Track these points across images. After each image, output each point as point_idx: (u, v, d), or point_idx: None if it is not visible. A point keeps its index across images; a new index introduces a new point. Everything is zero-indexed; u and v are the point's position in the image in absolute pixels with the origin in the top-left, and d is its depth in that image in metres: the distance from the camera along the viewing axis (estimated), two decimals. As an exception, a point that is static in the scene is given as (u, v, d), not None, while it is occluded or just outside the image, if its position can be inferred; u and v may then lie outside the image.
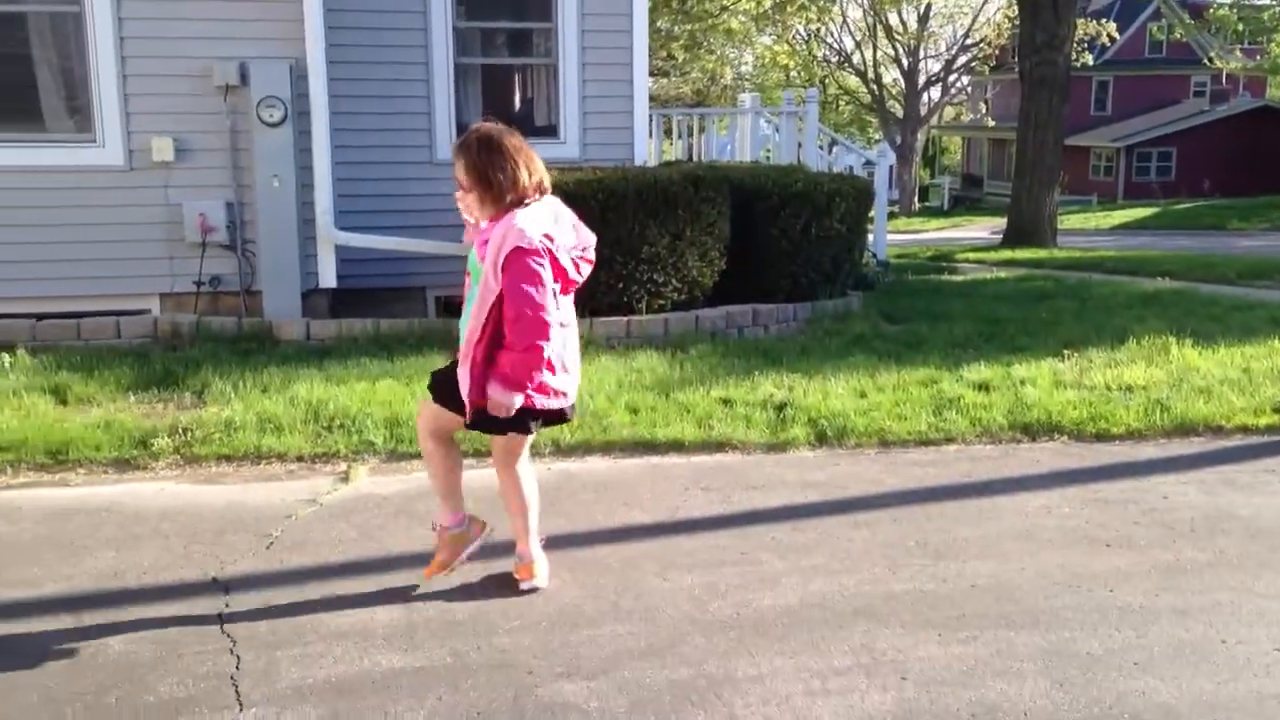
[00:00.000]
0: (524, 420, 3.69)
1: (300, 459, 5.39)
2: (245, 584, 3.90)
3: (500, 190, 3.51)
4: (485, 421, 3.66)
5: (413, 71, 9.27)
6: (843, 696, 3.14)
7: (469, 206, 3.61)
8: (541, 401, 3.66)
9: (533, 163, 3.56)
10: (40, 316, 7.78)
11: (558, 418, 3.83)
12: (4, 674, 3.22)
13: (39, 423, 5.58)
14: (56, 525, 4.46)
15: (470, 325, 3.60)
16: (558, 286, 3.59)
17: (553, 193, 3.69)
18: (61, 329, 7.65)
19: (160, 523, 4.50)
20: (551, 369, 3.63)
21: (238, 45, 8.06)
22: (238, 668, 3.28)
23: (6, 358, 6.86)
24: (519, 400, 3.55)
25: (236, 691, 3.14)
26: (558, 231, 3.59)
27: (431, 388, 3.83)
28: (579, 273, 3.72)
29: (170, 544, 4.27)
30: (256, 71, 7.99)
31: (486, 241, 3.51)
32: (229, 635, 3.49)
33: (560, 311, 3.61)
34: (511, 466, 3.92)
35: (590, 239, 3.85)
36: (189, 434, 5.49)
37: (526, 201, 3.55)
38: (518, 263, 3.43)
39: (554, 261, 3.53)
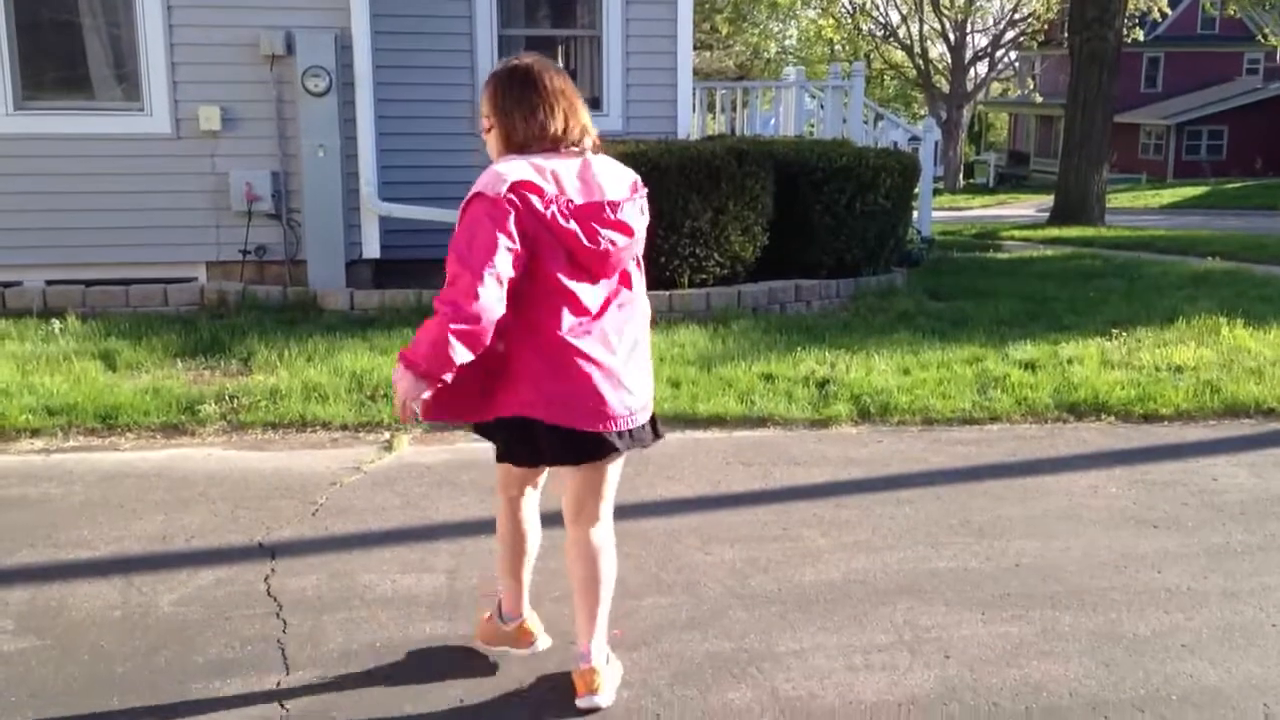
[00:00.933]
0: (521, 439, 2.86)
1: (344, 427, 5.43)
2: (291, 549, 3.94)
3: (524, 136, 2.77)
4: (482, 430, 2.98)
5: (457, 42, 9.28)
6: (885, 673, 3.13)
7: (490, 149, 2.87)
8: (556, 413, 2.77)
9: (574, 112, 2.82)
10: (90, 283, 7.88)
11: (593, 446, 2.85)
12: (58, 633, 3.28)
13: (89, 388, 5.65)
14: (107, 488, 4.53)
15: None
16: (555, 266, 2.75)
17: None
18: (110, 296, 7.75)
19: (208, 488, 4.56)
20: (557, 370, 2.75)
21: (284, 15, 8.08)
22: (284, 631, 3.32)
23: (57, 323, 6.96)
24: (421, 389, 2.64)
25: (283, 654, 3.18)
26: (564, 186, 2.74)
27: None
28: (597, 241, 2.76)
29: (217, 509, 4.32)
30: (302, 41, 8.02)
31: None
32: (275, 599, 3.53)
33: (590, 297, 2.80)
34: (579, 521, 3.05)
35: (629, 200, 2.89)
36: (235, 401, 5.55)
37: (550, 151, 2.79)
38: (471, 210, 2.66)
39: (553, 224, 2.69)
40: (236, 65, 8.12)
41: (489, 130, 2.85)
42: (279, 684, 3.01)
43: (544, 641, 3.23)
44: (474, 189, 2.68)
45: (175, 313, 7.61)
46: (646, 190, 2.96)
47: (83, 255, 8.05)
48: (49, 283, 7.95)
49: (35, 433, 5.21)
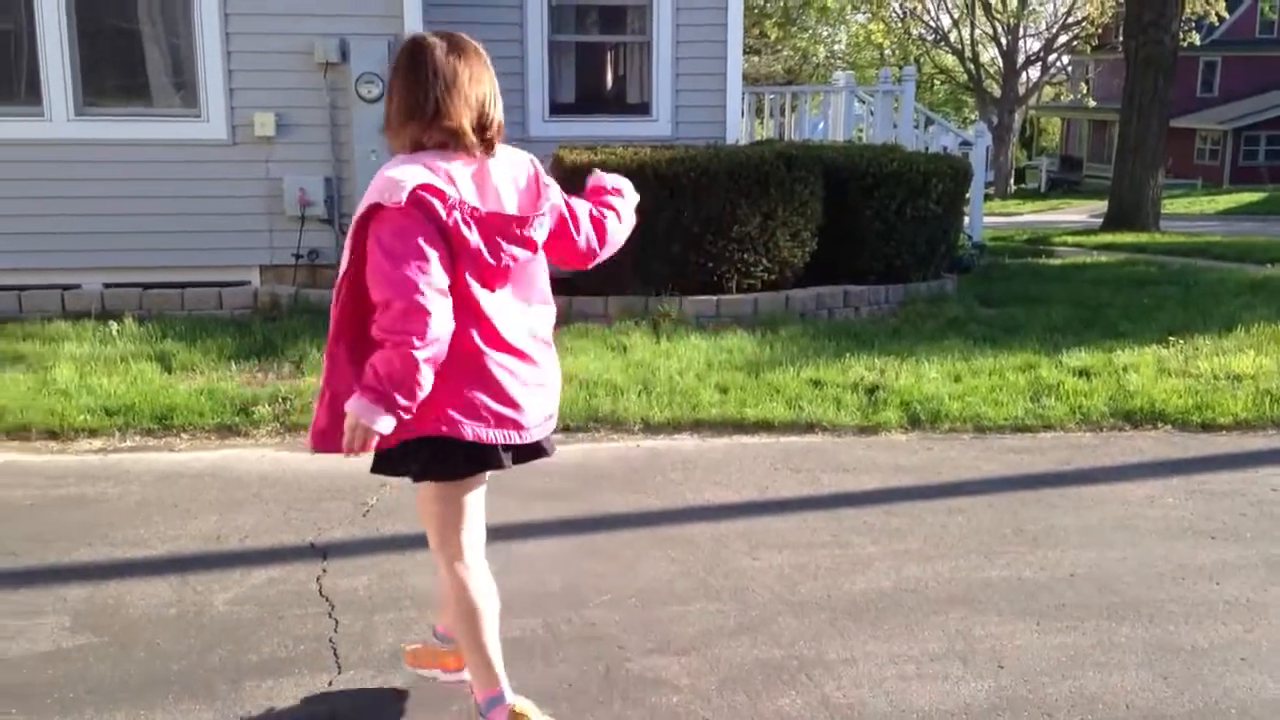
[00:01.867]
0: (441, 458, 2.55)
1: (393, 430, 5.46)
2: (342, 550, 3.98)
3: (415, 122, 2.48)
4: (384, 461, 2.58)
5: (507, 49, 9.32)
6: (938, 682, 3.09)
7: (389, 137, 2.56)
8: (474, 429, 2.52)
9: (484, 100, 2.52)
10: (146, 286, 8.02)
11: (489, 458, 2.59)
12: (115, 631, 3.33)
13: (146, 389, 5.75)
14: (162, 488, 4.60)
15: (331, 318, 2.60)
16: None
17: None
18: (166, 299, 7.88)
19: (261, 488, 4.61)
20: (471, 381, 2.51)
21: (337, 22, 8.17)
22: (336, 631, 3.34)
23: (115, 325, 7.08)
24: (386, 423, 2.38)
25: (335, 653, 3.21)
26: (467, 192, 2.47)
27: None
28: (499, 257, 2.50)
29: (270, 509, 4.37)
30: (356, 48, 8.11)
31: None
32: (327, 599, 3.56)
33: (490, 304, 2.54)
34: (446, 548, 2.69)
35: (539, 208, 2.60)
36: (288, 403, 5.61)
37: (445, 148, 2.49)
38: (379, 225, 2.40)
39: (454, 234, 2.43)
40: (291, 72, 8.22)
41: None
42: (331, 683, 3.04)
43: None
44: (367, 199, 2.42)
45: (229, 315, 7.72)
46: (551, 181, 2.68)
47: (140, 259, 8.19)
48: (107, 285, 8.10)
49: (93, 433, 5.30)
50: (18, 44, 8.12)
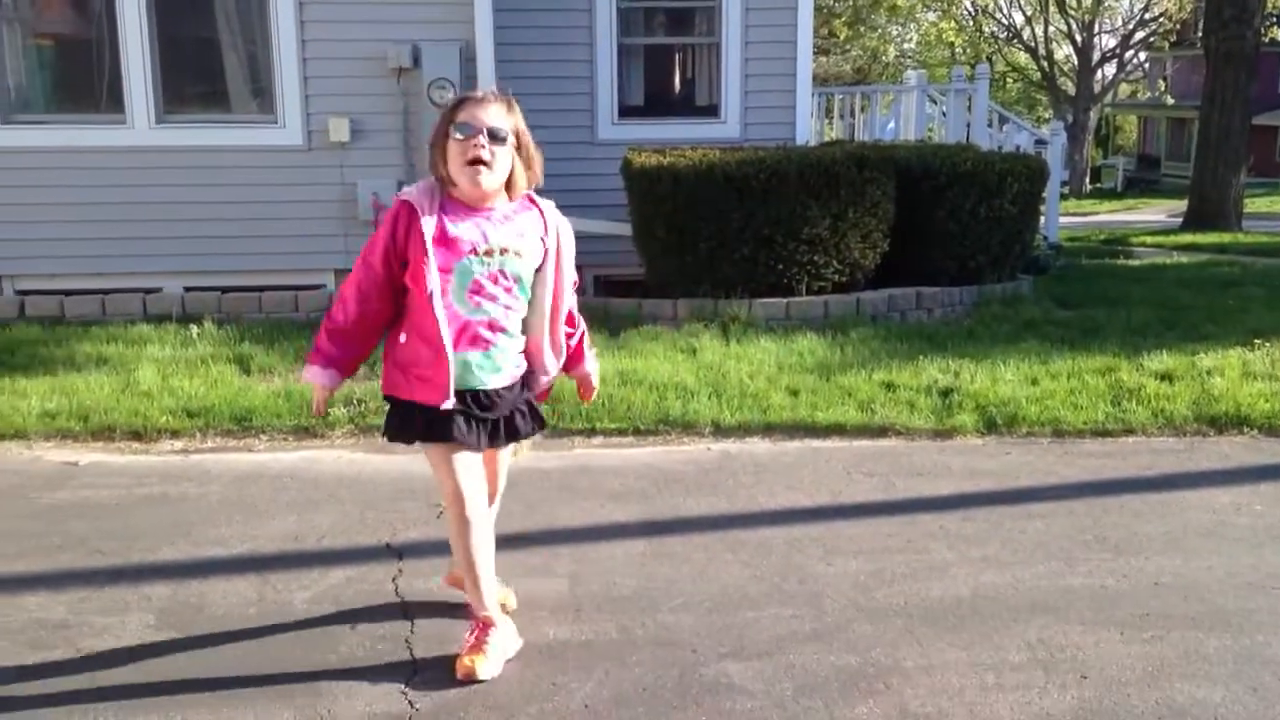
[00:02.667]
0: (395, 416, 3.12)
1: (466, 432, 5.50)
2: (417, 550, 4.01)
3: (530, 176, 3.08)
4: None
5: (577, 52, 9.36)
6: (1019, 692, 3.03)
7: (489, 184, 2.97)
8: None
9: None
10: (225, 290, 8.18)
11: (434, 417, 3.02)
12: (198, 628, 3.39)
13: (225, 391, 5.86)
14: (242, 489, 4.68)
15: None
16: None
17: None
18: (244, 301, 8.03)
19: (337, 489, 4.68)
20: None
21: (411, 29, 8.27)
22: (412, 631, 3.37)
23: (195, 328, 7.24)
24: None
25: (411, 654, 3.23)
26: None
27: None
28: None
29: (347, 510, 4.43)
30: (428, 54, 8.19)
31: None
32: (403, 599, 3.59)
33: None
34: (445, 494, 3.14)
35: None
36: (363, 405, 5.68)
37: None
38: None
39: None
40: (365, 78, 8.34)
41: (502, 151, 2.96)
42: (408, 683, 3.07)
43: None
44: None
45: (305, 318, 7.85)
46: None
47: (218, 262, 8.36)
48: (187, 289, 8.28)
49: (175, 434, 5.42)
50: (100, 54, 8.33)
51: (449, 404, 2.99)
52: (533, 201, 3.13)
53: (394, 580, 3.74)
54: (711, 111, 9.72)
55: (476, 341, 3.01)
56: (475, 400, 3.05)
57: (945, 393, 5.96)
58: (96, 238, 8.28)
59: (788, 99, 9.49)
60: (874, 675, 3.12)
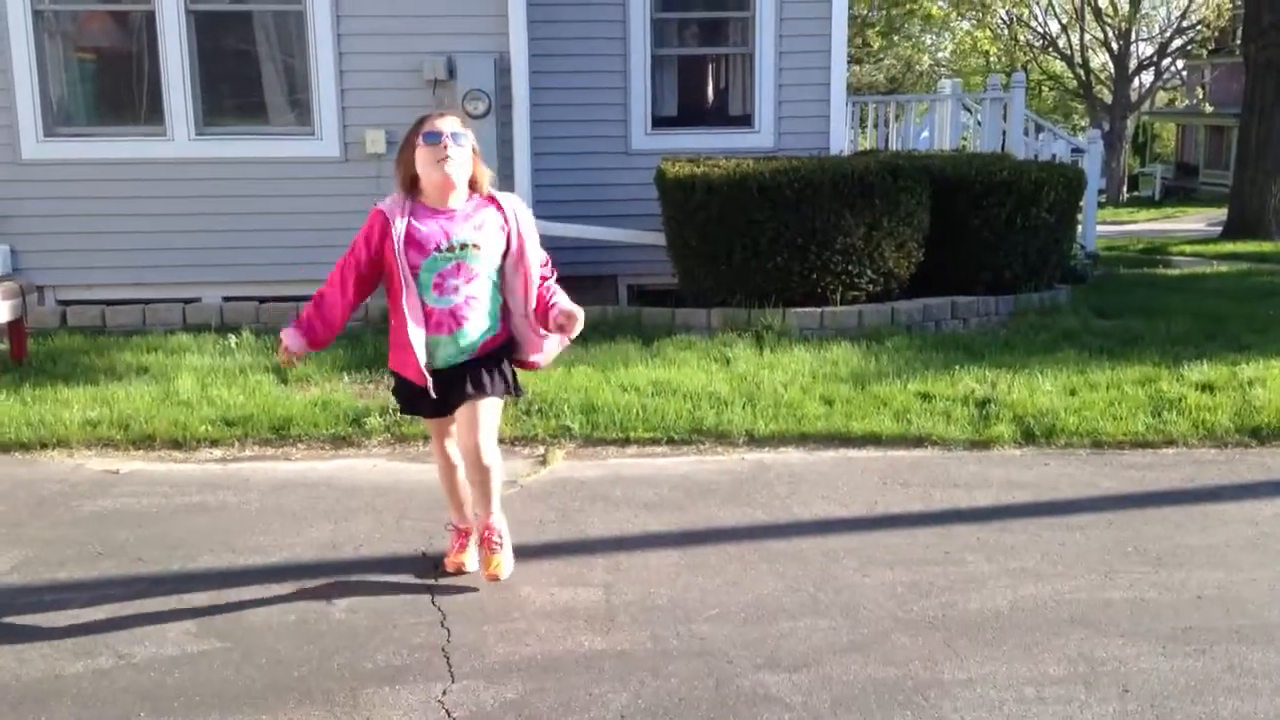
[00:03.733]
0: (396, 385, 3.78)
1: (500, 441, 5.48)
2: (453, 560, 4.02)
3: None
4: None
5: (610, 63, 9.39)
6: (1060, 706, 3.00)
7: (456, 174, 3.46)
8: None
9: None
10: (262, 300, 8.25)
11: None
12: (238, 636, 3.42)
13: (263, 400, 5.91)
14: (280, 497, 4.72)
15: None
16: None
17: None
18: (281, 311, 8.09)
19: (374, 498, 4.70)
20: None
21: (446, 40, 8.33)
22: (448, 640, 3.39)
23: (233, 338, 7.31)
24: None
25: (448, 662, 3.24)
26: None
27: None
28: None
29: (383, 518, 4.46)
30: (463, 65, 8.25)
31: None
32: (439, 608, 3.61)
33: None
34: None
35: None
36: (397, 415, 5.70)
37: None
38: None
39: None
40: (400, 90, 8.40)
41: (462, 152, 3.45)
42: (444, 692, 3.08)
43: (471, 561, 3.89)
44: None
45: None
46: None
47: (256, 273, 8.44)
48: (226, 299, 8.37)
49: (214, 443, 5.47)
50: (140, 67, 8.45)
51: (426, 383, 3.50)
52: (492, 199, 3.58)
53: (430, 589, 3.76)
54: (745, 121, 9.72)
55: (442, 327, 3.49)
56: (440, 376, 3.53)
57: (982, 403, 5.92)
58: (137, 248, 8.39)
59: (822, 108, 9.47)
60: (912, 688, 3.10)
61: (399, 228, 3.43)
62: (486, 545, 3.71)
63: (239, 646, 3.35)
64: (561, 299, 3.65)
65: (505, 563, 3.73)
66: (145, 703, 3.01)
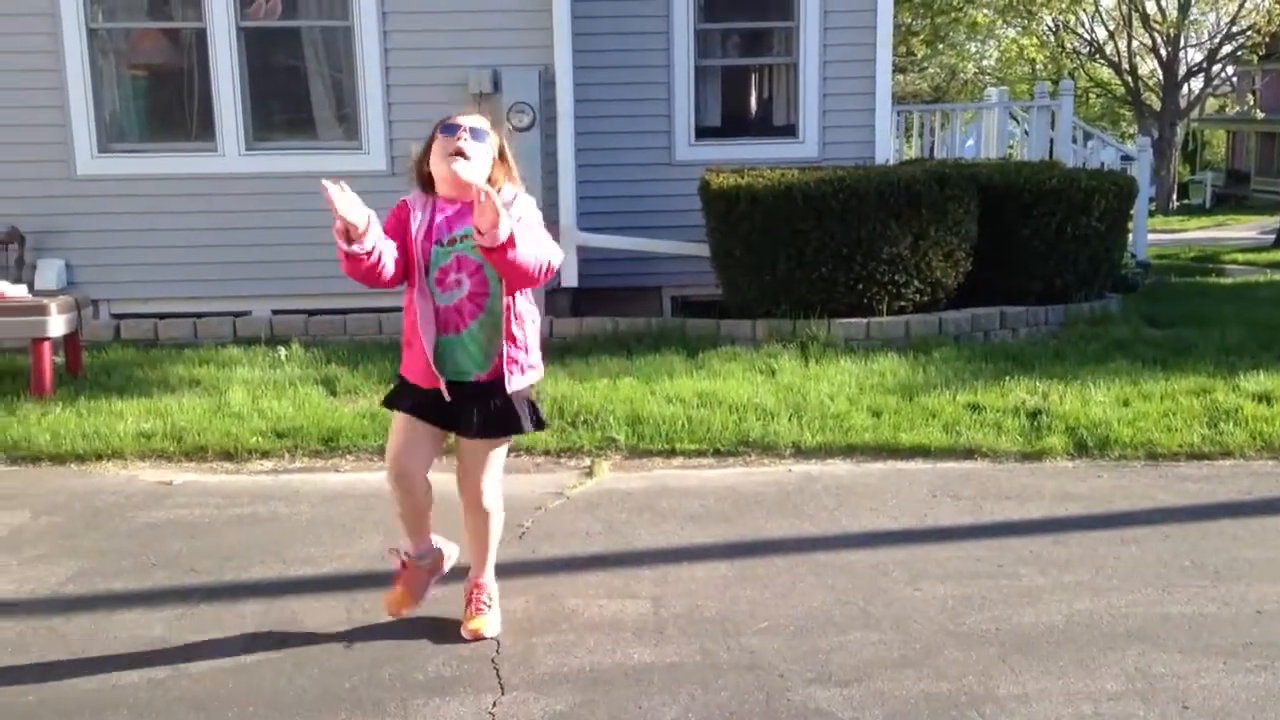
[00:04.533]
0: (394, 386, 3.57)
1: (546, 453, 5.54)
2: (500, 571, 3.99)
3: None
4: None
5: (654, 75, 9.41)
6: (1117, 723, 2.95)
7: (475, 173, 3.24)
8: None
9: None
10: (311, 313, 8.34)
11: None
12: (289, 646, 3.44)
13: (313, 412, 5.97)
14: (330, 508, 4.76)
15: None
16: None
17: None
18: (330, 324, 8.18)
19: (422, 509, 4.71)
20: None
21: (492, 54, 8.39)
22: (498, 651, 3.39)
23: (283, 350, 7.39)
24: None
25: (497, 674, 3.25)
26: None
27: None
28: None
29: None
30: (508, 79, 8.30)
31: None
32: (488, 620, 3.61)
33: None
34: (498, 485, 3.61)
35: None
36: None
37: None
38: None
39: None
40: (446, 105, 8.42)
41: (482, 149, 3.27)
42: (494, 703, 3.08)
43: (452, 548, 3.72)
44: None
45: (388, 340, 7.96)
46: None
47: (305, 286, 8.52)
48: (275, 312, 8.46)
49: (265, 454, 5.53)
50: (191, 83, 8.59)
51: (439, 384, 3.28)
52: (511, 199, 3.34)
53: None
54: (789, 131, 9.70)
55: (449, 325, 3.31)
56: (451, 389, 3.31)
57: (1033, 414, 5.85)
58: (188, 262, 8.52)
59: (866, 118, 9.43)
60: (966, 704, 3.06)
61: (416, 219, 3.30)
62: (473, 605, 3.53)
63: (291, 656, 3.37)
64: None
65: (490, 622, 3.51)
66: (199, 713, 3.04)
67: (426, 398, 3.34)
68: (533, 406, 3.47)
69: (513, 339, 3.35)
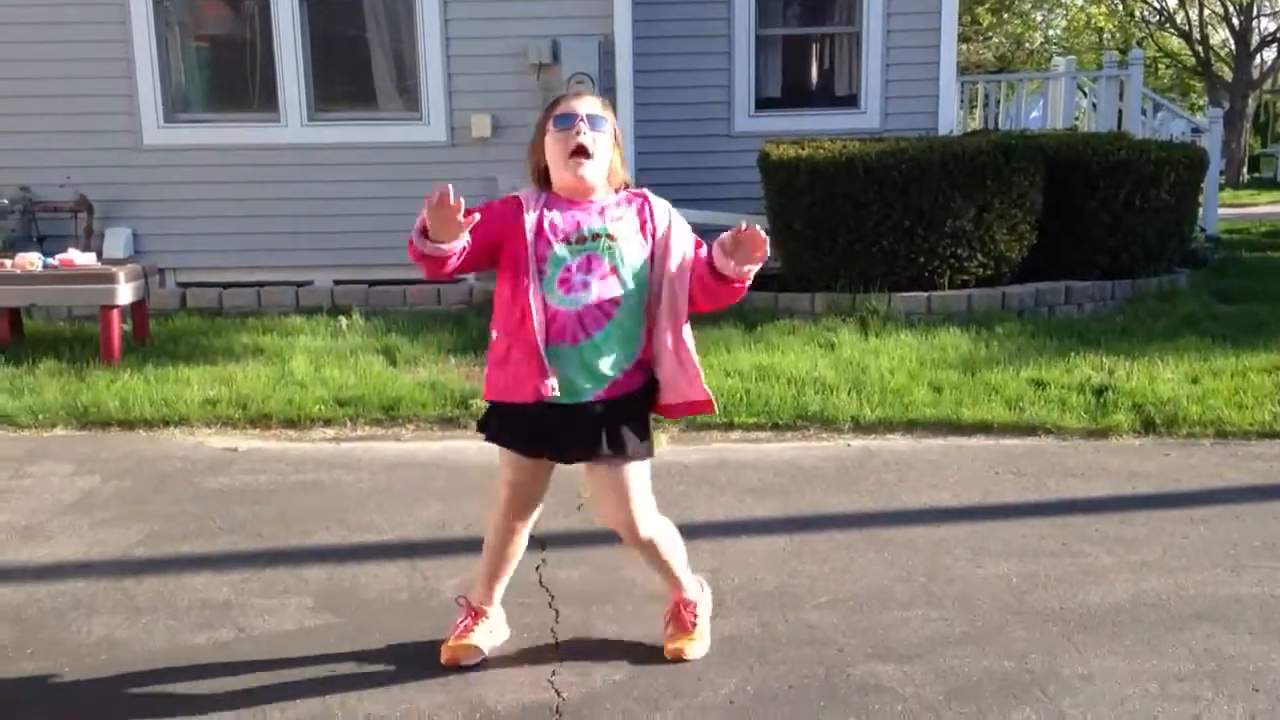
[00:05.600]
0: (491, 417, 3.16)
1: (605, 424, 5.54)
2: (559, 541, 4.05)
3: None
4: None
5: (714, 44, 9.35)
6: (1185, 704, 2.89)
7: (599, 173, 2.93)
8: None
9: None
10: (372, 283, 8.42)
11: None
12: (352, 612, 3.49)
13: (374, 381, 6.03)
14: (391, 476, 4.81)
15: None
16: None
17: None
18: (390, 295, 8.26)
19: (482, 479, 4.74)
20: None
21: (551, 24, 8.38)
22: (557, 621, 3.41)
23: (344, 320, 7.48)
24: None
25: (557, 643, 3.26)
26: None
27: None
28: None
29: (491, 500, 4.49)
30: (567, 49, 8.28)
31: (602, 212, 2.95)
32: (547, 589, 3.63)
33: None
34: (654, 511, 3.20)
35: None
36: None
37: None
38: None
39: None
40: (505, 75, 8.48)
41: (602, 139, 2.91)
42: (554, 672, 3.09)
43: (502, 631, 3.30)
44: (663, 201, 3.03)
45: (447, 311, 8.03)
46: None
47: (366, 256, 8.61)
48: (336, 282, 8.56)
49: (328, 422, 5.60)
50: (254, 54, 8.67)
51: (548, 393, 2.87)
52: (638, 195, 3.03)
53: (538, 570, 3.79)
54: (850, 102, 9.59)
55: (565, 333, 2.88)
56: (563, 413, 2.92)
57: (1099, 391, 5.75)
58: (252, 232, 8.63)
59: (930, 88, 9.30)
60: (1029, 682, 3.02)
61: (530, 218, 2.90)
62: (677, 623, 3.21)
63: (354, 622, 3.42)
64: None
65: (695, 646, 3.17)
66: (265, 674, 3.09)
67: (529, 424, 2.95)
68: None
69: (647, 356, 2.97)
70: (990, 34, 35.32)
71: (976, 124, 12.43)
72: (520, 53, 8.39)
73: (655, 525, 3.13)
